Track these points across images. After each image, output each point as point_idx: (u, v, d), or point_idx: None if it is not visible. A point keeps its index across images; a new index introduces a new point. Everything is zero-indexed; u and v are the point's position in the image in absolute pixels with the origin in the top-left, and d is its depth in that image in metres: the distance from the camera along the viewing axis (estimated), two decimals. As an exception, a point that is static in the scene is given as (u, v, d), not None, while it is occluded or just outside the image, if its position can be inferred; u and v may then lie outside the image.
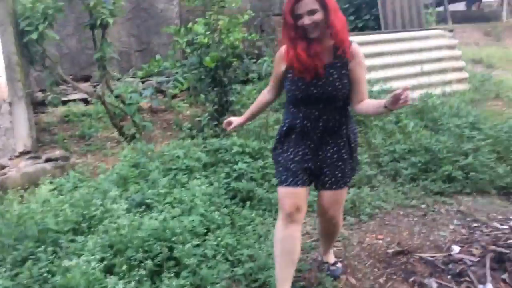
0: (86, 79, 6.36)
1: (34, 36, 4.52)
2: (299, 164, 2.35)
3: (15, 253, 2.63)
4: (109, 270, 2.59)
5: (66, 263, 2.45)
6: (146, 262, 2.67)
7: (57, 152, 4.40)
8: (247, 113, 2.69)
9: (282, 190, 2.36)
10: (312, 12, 2.13)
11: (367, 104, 2.30)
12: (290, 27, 2.21)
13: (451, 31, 8.16)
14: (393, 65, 6.80)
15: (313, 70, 2.22)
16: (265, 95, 2.61)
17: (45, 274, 2.42)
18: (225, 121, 2.69)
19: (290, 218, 2.32)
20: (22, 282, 2.37)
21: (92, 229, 3.06)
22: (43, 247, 2.68)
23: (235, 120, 2.67)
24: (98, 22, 4.66)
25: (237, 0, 5.16)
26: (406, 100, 1.97)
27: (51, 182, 3.84)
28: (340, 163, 2.36)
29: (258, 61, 6.52)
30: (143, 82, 6.35)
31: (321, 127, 2.31)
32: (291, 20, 2.18)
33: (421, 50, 7.24)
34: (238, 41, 5.15)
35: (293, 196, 2.33)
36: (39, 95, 5.62)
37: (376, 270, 3.04)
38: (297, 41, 2.21)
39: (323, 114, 2.29)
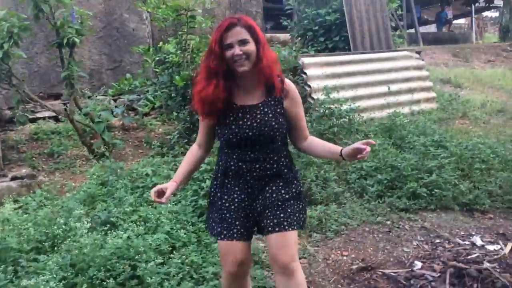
0: (57, 96, 6.33)
1: (-2, 54, 4.50)
2: (235, 214, 2.10)
3: (-26, 272, 2.59)
4: (69, 290, 2.56)
5: (24, 282, 2.41)
6: (108, 281, 2.66)
7: (24, 171, 4.34)
8: (180, 174, 2.21)
9: (221, 244, 2.13)
10: (243, 42, 1.95)
11: (316, 144, 2.20)
12: (214, 57, 1.98)
13: (418, 52, 8.43)
14: (362, 84, 6.97)
15: (215, 109, 2.03)
16: (196, 152, 2.24)
17: (3, 294, 2.39)
18: (153, 191, 2.09)
19: (233, 275, 2.15)
20: (-22, 303, 2.33)
21: (55, 248, 3.03)
22: (3, 266, 2.64)
23: (168, 188, 2.10)
24: (65, 41, 4.67)
25: (207, 21, 5.25)
26: (364, 156, 1.92)
27: (16, 201, 3.79)
28: (280, 203, 2.09)
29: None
30: (115, 100, 6.35)
31: (257, 169, 2.09)
32: (218, 50, 1.96)
33: (389, 70, 7.46)
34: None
35: (232, 252, 2.10)
36: (8, 112, 5.56)
37: (340, 286, 3.08)
38: (214, 76, 2.00)
39: (260, 155, 2.08)
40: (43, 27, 5.72)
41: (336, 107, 5.80)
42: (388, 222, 4.02)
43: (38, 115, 5.88)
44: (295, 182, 2.17)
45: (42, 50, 6.32)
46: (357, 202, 4.31)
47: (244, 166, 2.09)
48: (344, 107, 5.87)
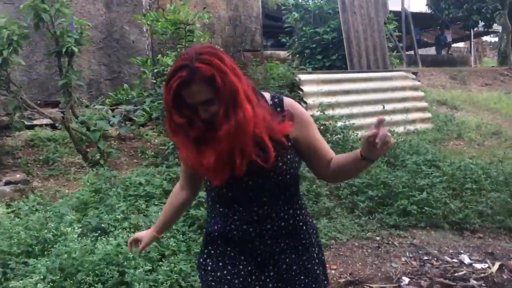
0: (55, 104, 6.38)
1: (-3, 60, 4.57)
2: None
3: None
4: (57, 293, 2.58)
5: (13, 284, 2.44)
6: (96, 286, 2.68)
7: (18, 176, 4.37)
8: (161, 225, 1.84)
9: None
10: (206, 103, 1.37)
11: (337, 163, 1.54)
12: (181, 127, 1.42)
13: (415, 73, 8.55)
14: (358, 102, 7.07)
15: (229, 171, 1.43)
16: (179, 193, 1.79)
17: (-10, 295, 2.41)
18: (129, 242, 1.89)
19: None
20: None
21: (45, 252, 3.05)
22: (-9, 268, 2.67)
23: (144, 237, 1.84)
24: (64, 50, 4.75)
25: (205, 35, 5.35)
26: (386, 141, 1.31)
27: (9, 205, 3.81)
28: (307, 280, 1.59)
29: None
30: (112, 110, 6.41)
31: (270, 230, 1.53)
32: (181, 120, 1.41)
33: (385, 90, 7.57)
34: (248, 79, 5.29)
35: None
36: (5, 119, 5.61)
37: (326, 299, 3.10)
38: (194, 142, 1.44)
39: (271, 211, 1.52)
40: (44, 36, 5.80)
41: (331, 123, 5.88)
42: (378, 238, 4.05)
43: (36, 122, 5.91)
44: (314, 243, 1.65)
45: (42, 59, 6.39)
46: (347, 217, 4.34)
47: (251, 230, 1.52)
48: (339, 124, 5.95)
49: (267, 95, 1.55)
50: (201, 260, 1.62)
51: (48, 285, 2.51)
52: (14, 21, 4.80)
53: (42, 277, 2.56)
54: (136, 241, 1.86)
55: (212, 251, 1.59)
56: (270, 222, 1.52)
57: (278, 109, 1.52)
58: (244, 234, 1.52)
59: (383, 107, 6.94)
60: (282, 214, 1.54)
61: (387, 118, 6.94)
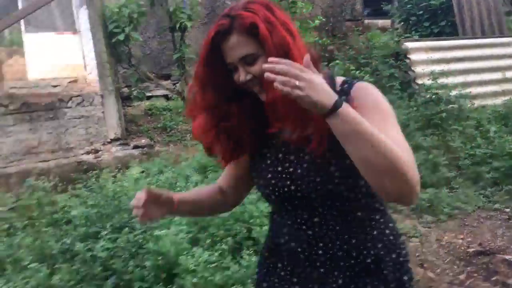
0: (167, 77, 6.74)
1: (121, 37, 4.93)
2: None
3: (114, 220, 2.88)
4: (194, 243, 2.76)
5: (157, 232, 2.64)
6: (227, 239, 2.81)
7: (143, 141, 4.73)
8: (187, 196, 1.35)
9: None
10: (247, 60, 1.08)
11: None
12: (205, 90, 1.13)
13: (537, 38, 7.78)
14: (472, 70, 6.61)
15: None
16: (215, 192, 1.35)
17: (140, 241, 2.63)
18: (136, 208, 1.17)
19: None
20: (120, 245, 2.59)
21: (177, 208, 3.26)
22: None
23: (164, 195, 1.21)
24: (177, 25, 4.98)
25: (308, 6, 5.31)
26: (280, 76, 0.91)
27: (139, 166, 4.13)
28: None
29: (330, 65, 6.60)
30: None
31: (322, 257, 1.16)
32: (205, 74, 1.12)
33: (502, 56, 6.99)
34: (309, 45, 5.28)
35: None
36: (125, 90, 6.04)
37: (455, 267, 2.98)
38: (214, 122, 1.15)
39: (323, 234, 1.15)
40: (155, 14, 6.12)
41: (444, 92, 5.55)
42: (507, 210, 3.79)
43: (149, 94, 6.32)
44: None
45: (154, 35, 6.75)
46: (471, 188, 4.12)
47: (299, 250, 1.18)
48: (453, 93, 5.61)
49: (338, 80, 1.17)
50: (257, 278, 1.33)
51: (189, 235, 2.68)
52: (133, 0, 5.12)
53: (181, 228, 2.74)
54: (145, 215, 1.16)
55: (261, 269, 1.30)
56: (322, 248, 1.15)
57: (343, 97, 1.05)
58: (293, 252, 1.19)
59: (504, 75, 6.41)
60: (339, 243, 1.14)
61: (507, 86, 6.44)
